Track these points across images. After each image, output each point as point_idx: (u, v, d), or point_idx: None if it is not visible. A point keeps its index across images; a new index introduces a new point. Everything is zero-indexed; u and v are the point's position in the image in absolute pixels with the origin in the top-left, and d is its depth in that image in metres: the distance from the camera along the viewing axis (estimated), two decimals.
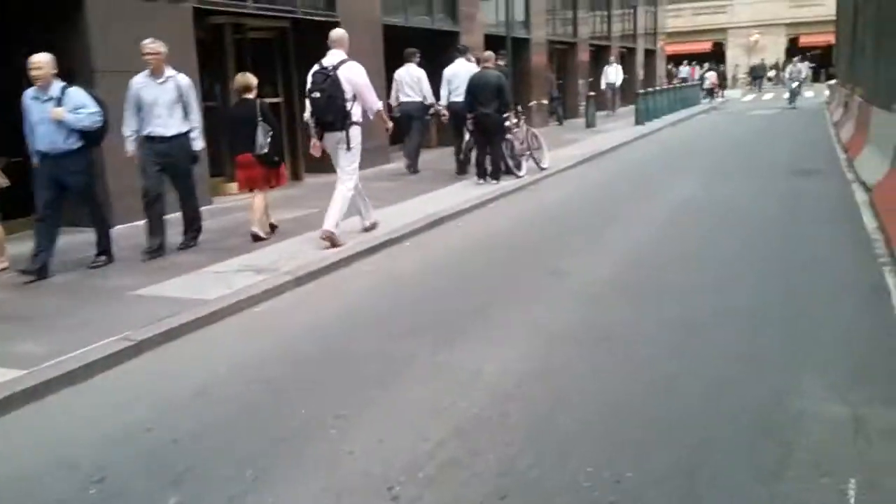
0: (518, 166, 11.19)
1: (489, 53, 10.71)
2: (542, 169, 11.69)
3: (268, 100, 10.98)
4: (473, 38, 16.36)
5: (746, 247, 6.29)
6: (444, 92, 11.46)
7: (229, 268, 6.15)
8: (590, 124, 19.98)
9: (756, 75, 41.57)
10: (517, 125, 11.33)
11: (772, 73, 40.83)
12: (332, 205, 6.82)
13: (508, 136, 10.90)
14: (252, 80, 7.24)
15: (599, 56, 25.92)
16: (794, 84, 24.08)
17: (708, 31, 49.42)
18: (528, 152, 11.64)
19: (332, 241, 6.69)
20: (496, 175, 10.55)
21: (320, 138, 6.88)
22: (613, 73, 23.31)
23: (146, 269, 6.19)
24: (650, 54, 34.07)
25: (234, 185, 10.63)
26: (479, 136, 10.53)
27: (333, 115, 6.65)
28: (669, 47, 40.81)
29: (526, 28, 19.97)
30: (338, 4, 11.75)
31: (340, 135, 6.73)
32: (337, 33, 7.00)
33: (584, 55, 24.02)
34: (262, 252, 6.71)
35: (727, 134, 17.41)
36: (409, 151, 11.82)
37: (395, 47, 12.81)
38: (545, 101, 20.67)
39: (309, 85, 6.76)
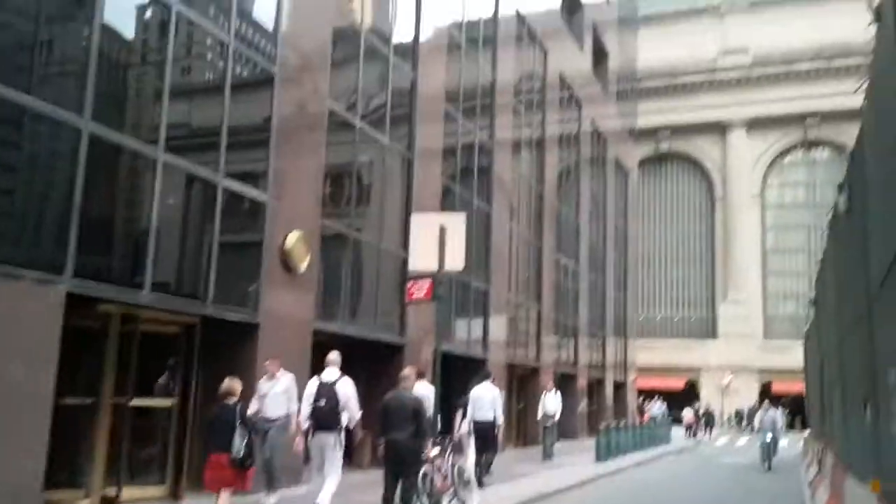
0: None
1: (408, 371, 9.57)
2: None
3: (155, 402, 9.68)
4: (422, 354, 15.49)
5: None
6: (469, 410, 12.65)
7: None
8: (547, 455, 18.32)
9: (742, 417, 41.30)
10: (440, 456, 9.76)
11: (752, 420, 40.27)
12: (325, 486, 8.63)
13: (426, 468, 9.28)
14: (237, 385, 7.82)
15: (566, 384, 25.13)
16: (768, 435, 19.95)
17: (682, 369, 49.82)
18: (452, 489, 9.90)
19: None
20: None
21: (307, 438, 8.75)
22: (552, 403, 19.55)
23: None
24: (621, 387, 33.51)
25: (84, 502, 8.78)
26: (389, 466, 8.93)
27: (332, 419, 8.60)
28: (642, 381, 40.55)
29: (484, 348, 19.31)
30: (262, 303, 10.90)
31: (333, 434, 8.66)
32: (334, 355, 9.12)
33: (547, 381, 23.16)
34: None
35: (689, 488, 15.64)
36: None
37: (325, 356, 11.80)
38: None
39: (314, 395, 8.67)
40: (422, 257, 12.55)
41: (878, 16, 4.78)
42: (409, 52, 15.99)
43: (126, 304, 8.86)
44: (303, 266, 11.45)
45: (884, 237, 5.85)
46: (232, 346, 10.86)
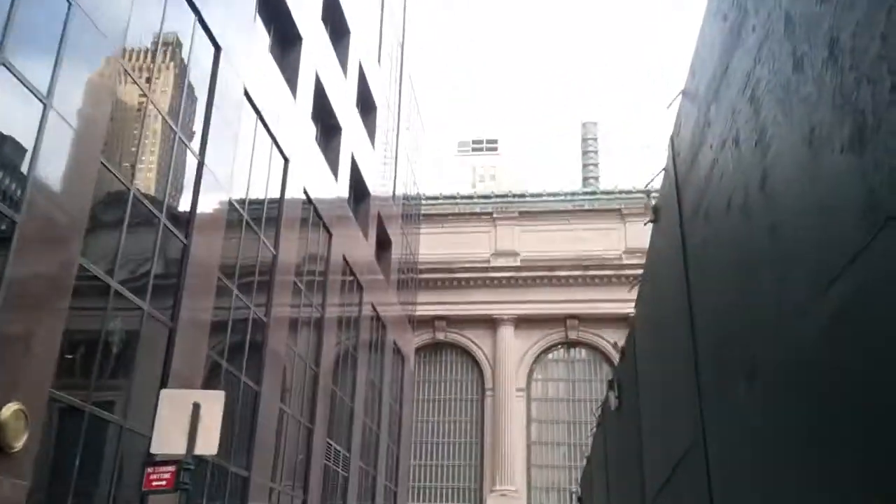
0: None
1: None
2: None
3: None
4: None
5: None
6: None
7: None
8: None
9: None
10: None
11: None
12: None
13: None
14: None
15: None
16: None
17: None
18: None
19: None
20: None
21: None
22: None
23: None
24: None
25: None
26: None
27: None
28: None
29: None
30: None
31: None
32: None
33: None
34: None
35: None
36: None
37: None
38: None
39: None
40: (168, 439, 11.41)
41: (656, 216, 5.00)
42: (185, 221, 15.48)
43: None
44: (18, 444, 9.77)
45: (662, 442, 5.69)
46: None
